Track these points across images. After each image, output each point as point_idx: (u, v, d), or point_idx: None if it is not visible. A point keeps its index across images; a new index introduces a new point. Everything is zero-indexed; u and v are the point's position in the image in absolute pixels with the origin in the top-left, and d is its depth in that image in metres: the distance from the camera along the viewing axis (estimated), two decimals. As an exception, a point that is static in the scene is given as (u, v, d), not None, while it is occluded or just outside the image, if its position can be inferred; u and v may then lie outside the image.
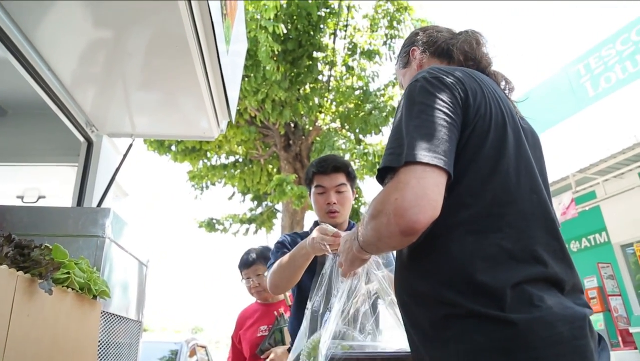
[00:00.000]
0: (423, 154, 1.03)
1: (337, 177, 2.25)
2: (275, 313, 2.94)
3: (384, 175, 1.11)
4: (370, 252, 1.27)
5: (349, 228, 2.31)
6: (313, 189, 2.29)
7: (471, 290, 1.01)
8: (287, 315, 2.92)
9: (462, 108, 1.14)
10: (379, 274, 1.59)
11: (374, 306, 1.63)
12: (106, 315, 1.96)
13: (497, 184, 1.10)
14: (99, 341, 1.81)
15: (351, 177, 2.30)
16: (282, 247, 2.30)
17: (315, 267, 2.19)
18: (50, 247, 1.47)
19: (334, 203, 2.22)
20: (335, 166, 2.27)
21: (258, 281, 3.09)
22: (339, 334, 1.49)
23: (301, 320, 2.24)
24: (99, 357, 1.81)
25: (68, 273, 1.51)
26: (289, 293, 3.04)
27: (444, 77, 1.17)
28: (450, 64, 1.46)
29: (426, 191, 1.00)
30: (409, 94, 1.18)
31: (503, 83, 1.41)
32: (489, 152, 1.12)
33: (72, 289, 1.55)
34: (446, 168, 1.04)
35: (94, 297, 1.71)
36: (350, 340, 1.51)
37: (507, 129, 1.17)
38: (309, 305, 1.70)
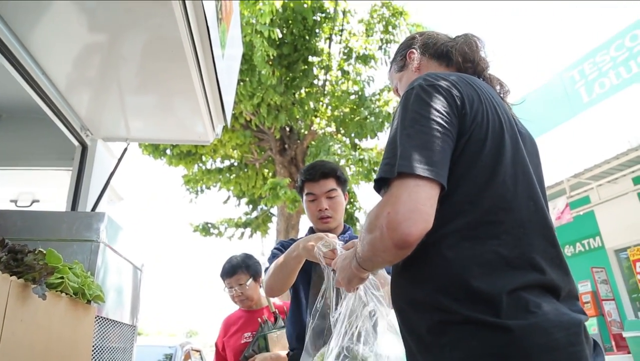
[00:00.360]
0: (415, 165, 1.03)
1: (326, 183, 2.24)
2: (259, 319, 2.93)
3: (381, 185, 1.12)
4: (368, 268, 1.24)
5: (345, 231, 2.31)
6: (304, 197, 2.29)
7: (467, 296, 1.01)
8: (271, 322, 2.91)
9: (458, 117, 1.14)
10: (378, 295, 1.57)
11: (374, 327, 1.62)
12: (100, 319, 1.95)
13: (494, 191, 1.10)
14: (93, 346, 1.80)
15: (341, 180, 2.29)
16: (279, 253, 2.30)
17: (310, 271, 2.19)
18: (44, 252, 1.46)
19: (326, 209, 2.22)
20: (323, 172, 2.25)
21: (241, 290, 3.05)
22: (344, 350, 1.48)
23: (297, 325, 2.24)
24: (93, 362, 1.80)
25: (62, 277, 1.50)
26: (272, 300, 3.04)
27: (440, 85, 1.17)
28: (449, 66, 1.46)
29: (417, 205, 1.01)
30: (404, 102, 1.18)
31: (498, 87, 1.41)
32: (486, 160, 1.12)
33: (66, 294, 1.54)
34: (438, 180, 1.04)
35: (88, 302, 1.70)
36: (354, 358, 1.50)
37: (504, 136, 1.17)
38: (309, 320, 1.68)
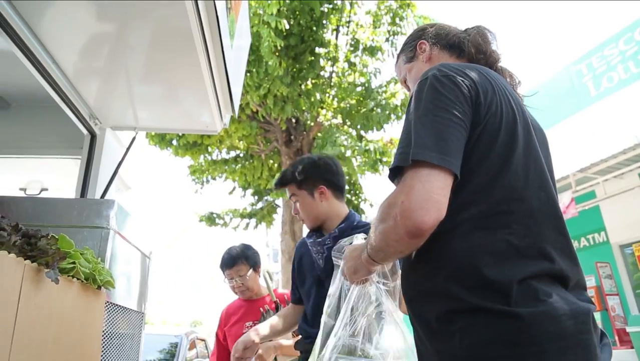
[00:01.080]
0: (429, 154, 1.04)
1: (287, 191, 2.30)
2: (261, 309, 2.94)
3: (395, 174, 1.12)
4: (379, 260, 1.23)
5: (348, 218, 2.23)
6: None
7: (478, 285, 1.03)
8: (272, 311, 2.92)
9: (472, 107, 1.14)
10: (384, 288, 1.57)
11: (378, 320, 1.62)
12: (110, 305, 1.97)
13: (506, 182, 1.11)
14: (103, 332, 1.82)
15: (298, 182, 2.24)
16: (293, 269, 2.40)
17: (317, 270, 2.20)
18: (57, 237, 1.48)
19: (296, 214, 2.28)
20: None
21: (241, 281, 3.06)
22: (346, 347, 1.49)
23: (304, 320, 2.27)
24: (103, 347, 1.82)
25: (74, 263, 1.52)
26: (273, 288, 3.06)
27: (454, 75, 1.17)
28: (460, 57, 1.46)
29: (431, 194, 1.02)
30: (418, 93, 1.18)
31: (509, 79, 1.42)
32: (499, 150, 1.13)
33: (78, 279, 1.56)
34: (451, 169, 1.05)
35: (99, 287, 1.72)
36: (356, 355, 1.50)
37: (517, 126, 1.17)
38: (324, 316, 1.70)
